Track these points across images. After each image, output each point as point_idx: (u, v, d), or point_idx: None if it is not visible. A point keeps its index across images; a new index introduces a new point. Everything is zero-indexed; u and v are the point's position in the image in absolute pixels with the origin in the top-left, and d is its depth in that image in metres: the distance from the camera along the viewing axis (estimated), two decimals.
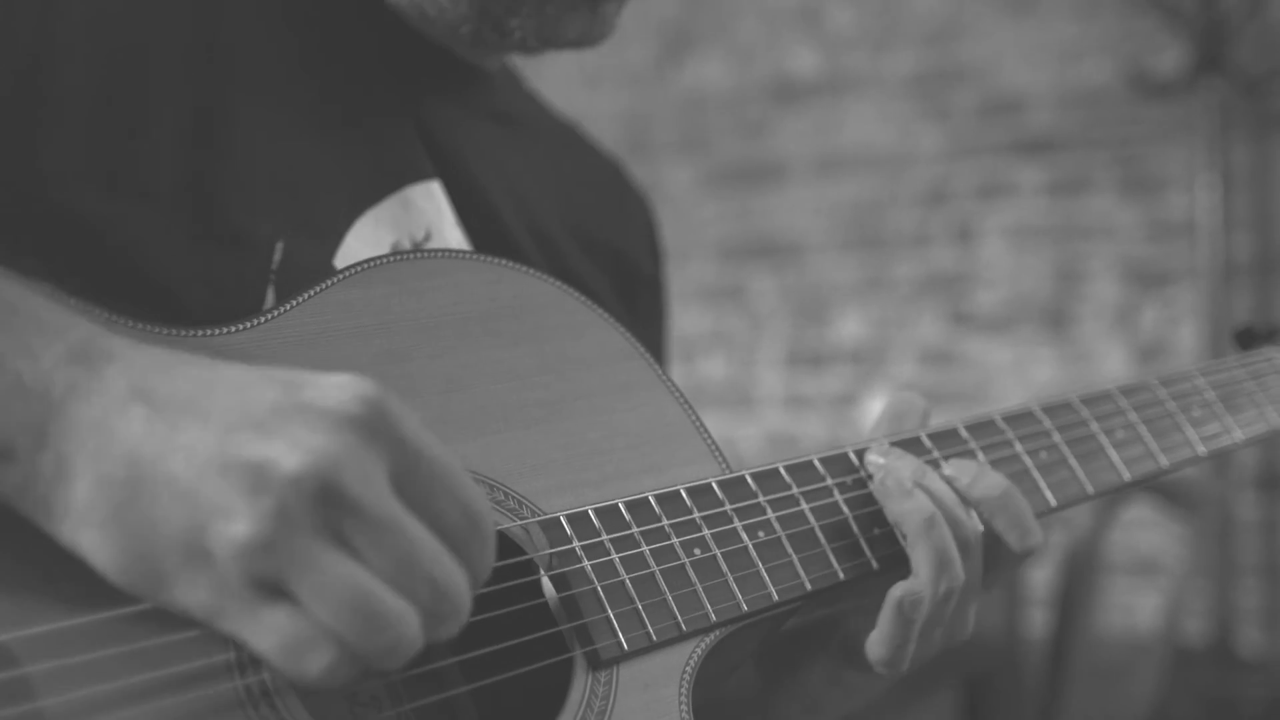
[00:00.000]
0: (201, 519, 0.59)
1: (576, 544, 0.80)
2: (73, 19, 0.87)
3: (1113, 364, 4.21)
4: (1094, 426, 1.04)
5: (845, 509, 0.91)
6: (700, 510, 0.86)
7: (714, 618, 0.82)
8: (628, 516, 0.83)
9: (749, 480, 0.89)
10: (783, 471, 0.90)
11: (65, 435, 0.61)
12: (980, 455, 0.97)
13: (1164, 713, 3.54)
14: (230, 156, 0.89)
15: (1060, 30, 4.34)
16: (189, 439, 0.60)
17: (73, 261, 0.80)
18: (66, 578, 0.64)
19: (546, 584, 0.79)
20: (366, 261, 0.84)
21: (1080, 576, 3.41)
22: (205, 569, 0.59)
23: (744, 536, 0.86)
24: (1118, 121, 4.24)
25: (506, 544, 0.78)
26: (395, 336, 0.83)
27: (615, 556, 0.81)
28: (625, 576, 0.80)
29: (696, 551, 0.84)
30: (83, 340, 0.63)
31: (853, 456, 0.93)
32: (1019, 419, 1.01)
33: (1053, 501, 0.98)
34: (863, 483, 0.93)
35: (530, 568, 0.79)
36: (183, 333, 0.75)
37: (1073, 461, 1.01)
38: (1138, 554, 4.11)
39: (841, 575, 0.89)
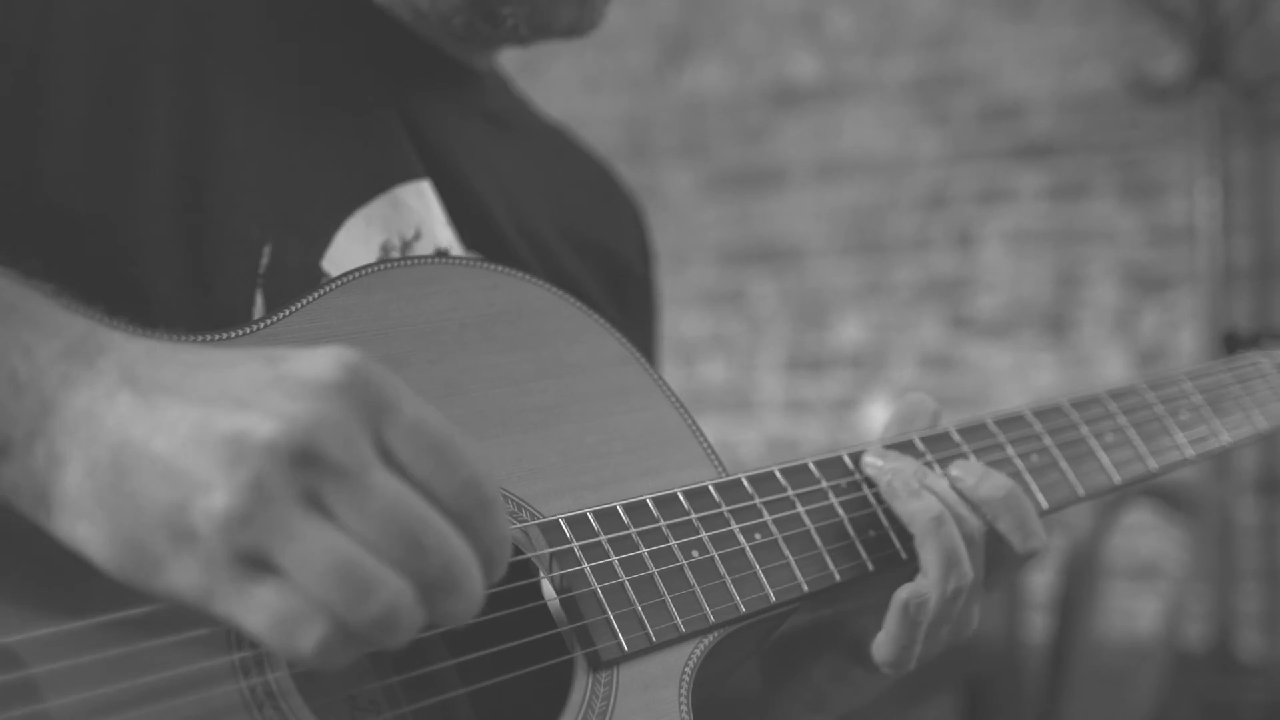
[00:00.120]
0: (183, 495, 0.58)
1: (575, 546, 0.81)
2: (71, 20, 0.87)
3: (1113, 368, 4.22)
4: (1084, 430, 1.06)
5: (840, 511, 0.92)
6: (697, 513, 0.87)
7: (712, 619, 0.83)
8: (626, 519, 0.84)
9: (745, 483, 0.90)
10: (778, 474, 0.91)
11: (57, 427, 0.60)
12: (972, 458, 0.98)
13: (1164, 717, 3.54)
14: (220, 158, 0.90)
15: (1060, 35, 4.35)
16: (170, 417, 0.60)
17: (69, 263, 0.81)
18: (70, 581, 0.64)
19: (546, 586, 0.79)
20: (364, 267, 0.85)
21: (1080, 580, 3.41)
22: (191, 547, 0.58)
23: (741, 539, 0.87)
24: (1117, 126, 4.24)
25: None
26: (394, 342, 0.83)
27: (614, 559, 0.81)
28: (624, 578, 0.81)
29: (694, 553, 0.85)
30: (78, 336, 0.63)
31: (847, 460, 0.94)
32: (1010, 422, 1.02)
33: (1044, 503, 0.99)
34: (858, 485, 0.94)
35: (530, 570, 0.80)
36: (181, 338, 0.75)
37: (1063, 464, 1.02)
38: (1138, 558, 4.11)
39: (838, 577, 0.90)
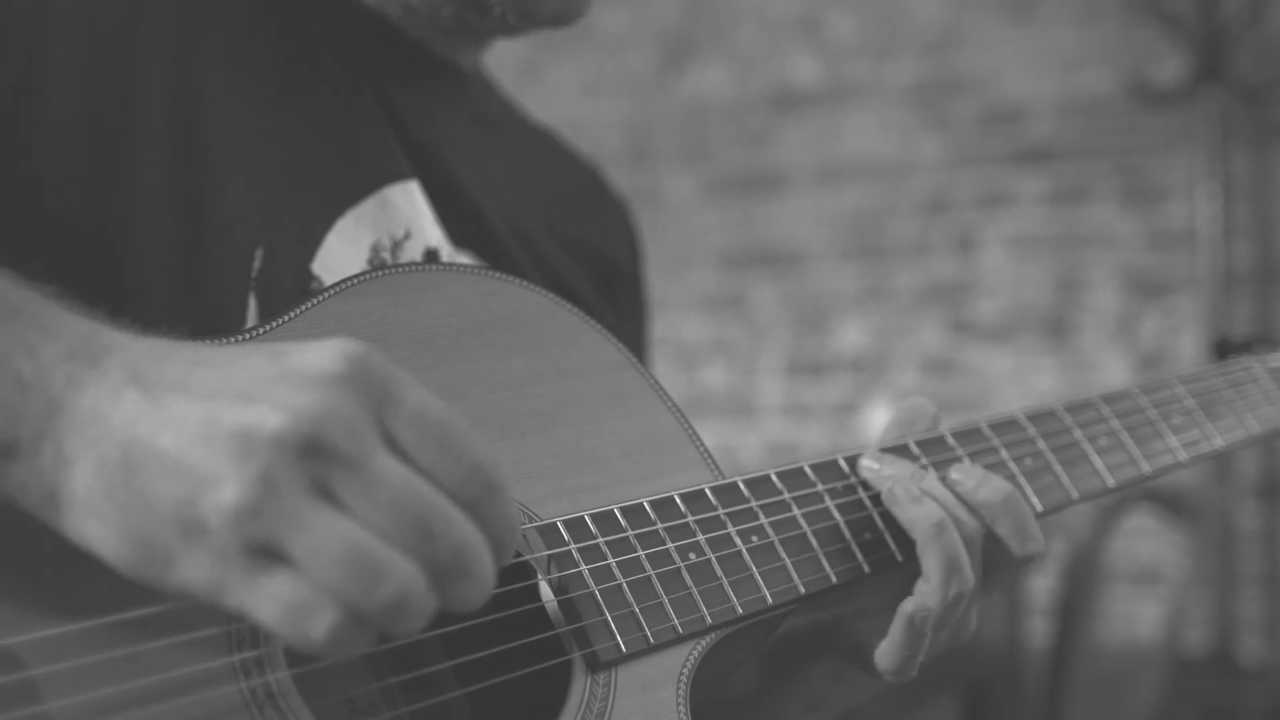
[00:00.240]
0: (192, 490, 0.58)
1: (573, 548, 0.81)
2: (64, 21, 0.88)
3: (1113, 373, 4.22)
4: (1078, 434, 1.07)
5: (836, 514, 0.93)
6: (694, 515, 0.87)
7: (710, 620, 0.84)
8: (623, 522, 0.84)
9: (741, 486, 0.91)
10: (774, 478, 0.92)
11: (65, 427, 0.61)
12: (967, 461, 0.98)
13: None
14: (211, 162, 0.90)
15: (1060, 40, 4.35)
16: (177, 413, 0.60)
17: (69, 268, 0.81)
18: (71, 583, 0.65)
19: (544, 588, 0.80)
20: (363, 274, 0.85)
21: (1081, 585, 3.42)
22: (202, 541, 0.59)
23: (737, 541, 0.88)
24: (1118, 131, 4.24)
25: None
26: (392, 348, 0.83)
27: (612, 561, 0.82)
28: (622, 580, 0.82)
29: (691, 556, 0.85)
30: (82, 337, 0.64)
31: (843, 463, 0.95)
32: (1004, 426, 1.03)
33: (1039, 506, 1.00)
34: (853, 488, 0.94)
35: (528, 573, 0.80)
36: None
37: (1057, 467, 1.03)
38: (1139, 563, 4.11)
39: (834, 578, 0.90)
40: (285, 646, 0.69)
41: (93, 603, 0.65)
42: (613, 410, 0.91)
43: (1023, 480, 1.00)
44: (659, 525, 0.85)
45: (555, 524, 0.82)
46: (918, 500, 0.90)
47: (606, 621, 0.80)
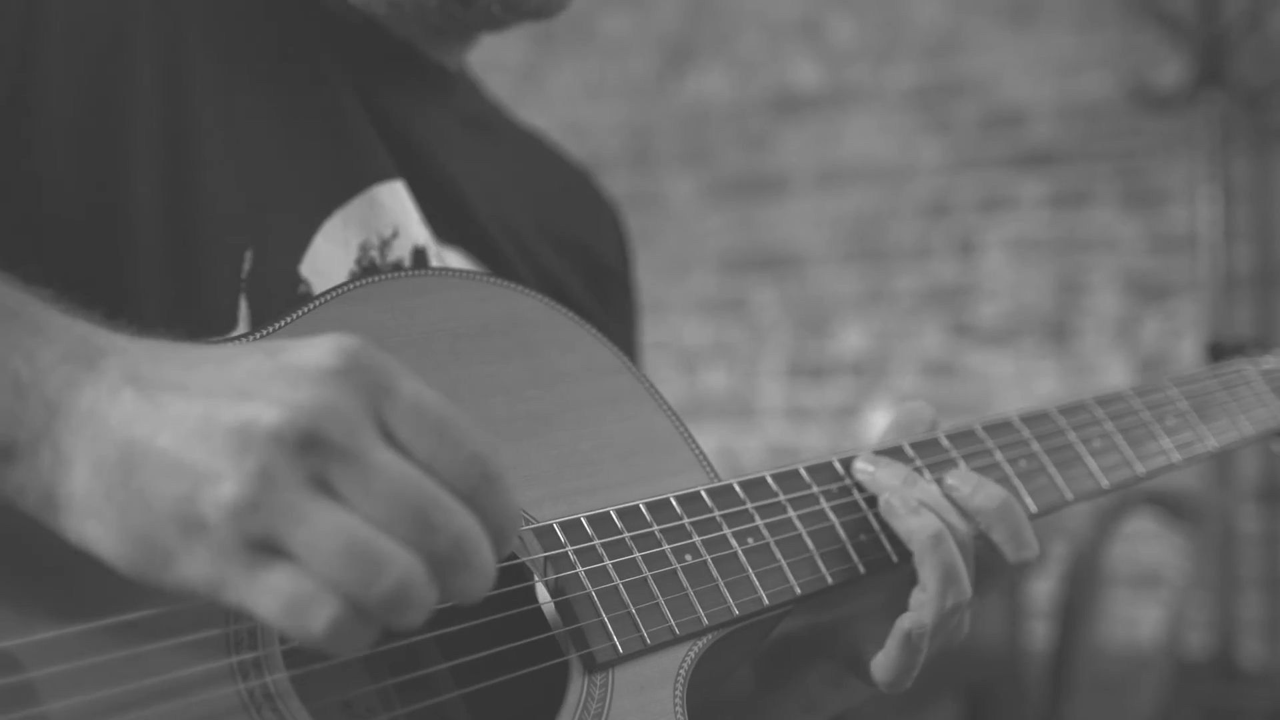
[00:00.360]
0: (191, 487, 0.59)
1: (569, 550, 0.81)
2: (55, 23, 0.88)
3: (1114, 376, 4.22)
4: (1071, 436, 1.07)
5: (831, 516, 0.93)
6: (690, 517, 0.87)
7: (706, 621, 0.84)
8: (619, 524, 0.84)
9: (737, 488, 0.91)
10: (770, 480, 0.92)
11: (62, 428, 0.61)
12: (961, 464, 0.99)
13: None
14: (201, 164, 0.91)
15: (1061, 43, 4.36)
16: (175, 412, 0.60)
17: (64, 271, 0.81)
18: (69, 585, 0.65)
19: (541, 589, 0.80)
20: (359, 280, 0.85)
21: (1082, 588, 3.42)
22: (201, 538, 0.59)
23: (733, 543, 0.88)
24: (1119, 134, 4.25)
25: None
26: (388, 353, 0.84)
27: (608, 562, 0.82)
28: (618, 581, 0.82)
29: (687, 557, 0.85)
30: (79, 339, 0.64)
31: (838, 465, 0.96)
32: (998, 428, 1.03)
33: (1033, 507, 1.00)
34: (848, 490, 0.95)
35: (524, 575, 0.80)
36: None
37: (1051, 469, 1.04)
38: (1139, 566, 4.11)
39: (830, 579, 0.91)
40: (284, 650, 0.69)
41: (90, 605, 0.65)
42: (609, 414, 0.91)
43: (1017, 482, 1.00)
44: (655, 527, 0.85)
45: (552, 526, 0.82)
46: (915, 511, 0.91)
47: (603, 622, 0.80)
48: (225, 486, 0.58)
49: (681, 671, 0.82)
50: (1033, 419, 1.06)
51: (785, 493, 0.92)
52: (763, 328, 4.84)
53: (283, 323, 0.81)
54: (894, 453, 0.97)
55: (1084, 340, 4.31)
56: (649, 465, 0.90)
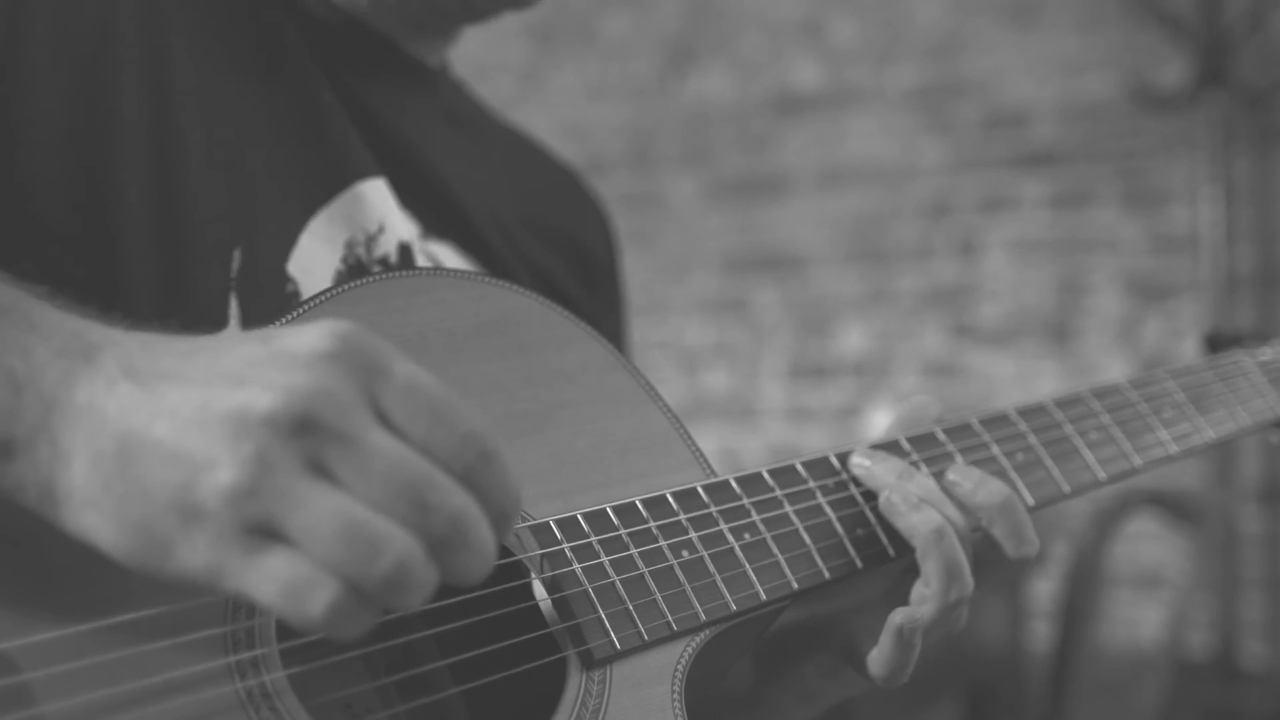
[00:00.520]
0: (188, 475, 0.59)
1: (566, 546, 0.81)
2: (38, 29, 0.88)
3: (1115, 376, 4.21)
4: (1068, 429, 1.07)
5: (828, 510, 0.93)
6: (686, 513, 0.88)
7: (703, 617, 0.84)
8: (616, 520, 0.84)
9: (733, 484, 0.91)
10: (766, 475, 0.93)
11: (60, 422, 0.61)
12: (959, 458, 0.99)
13: None
14: (186, 164, 0.91)
15: (1062, 44, 4.36)
16: (171, 402, 0.61)
17: (58, 274, 0.81)
18: (65, 586, 0.65)
19: (538, 586, 0.80)
20: (354, 281, 0.86)
21: (1083, 589, 3.42)
22: (200, 525, 0.59)
23: (730, 538, 0.88)
24: (1120, 135, 4.25)
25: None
26: None
27: (605, 559, 0.82)
28: (615, 578, 0.82)
29: (684, 553, 0.86)
30: (74, 335, 0.64)
31: (834, 460, 0.96)
32: (995, 422, 1.03)
33: (1031, 500, 1.00)
34: (844, 485, 0.95)
35: (521, 572, 0.80)
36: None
37: (1048, 462, 1.03)
38: (1141, 567, 4.11)
39: (827, 574, 0.91)
40: (282, 649, 0.69)
41: (87, 606, 0.65)
42: (605, 411, 0.91)
43: (1014, 475, 1.00)
44: (652, 523, 0.86)
45: (548, 523, 0.82)
46: (916, 507, 0.91)
47: (600, 619, 0.80)
48: (222, 473, 0.58)
49: (679, 667, 0.82)
50: (1029, 412, 1.06)
51: (782, 488, 0.92)
52: (764, 328, 4.84)
53: (280, 323, 0.81)
54: (890, 447, 0.97)
55: (1085, 341, 4.31)
56: (645, 462, 0.90)
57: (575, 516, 0.83)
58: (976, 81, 4.49)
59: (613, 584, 0.82)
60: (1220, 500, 3.92)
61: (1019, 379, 4.39)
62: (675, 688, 0.81)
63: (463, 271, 0.98)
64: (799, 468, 0.94)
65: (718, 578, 0.86)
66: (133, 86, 0.91)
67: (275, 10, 1.02)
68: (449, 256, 1.07)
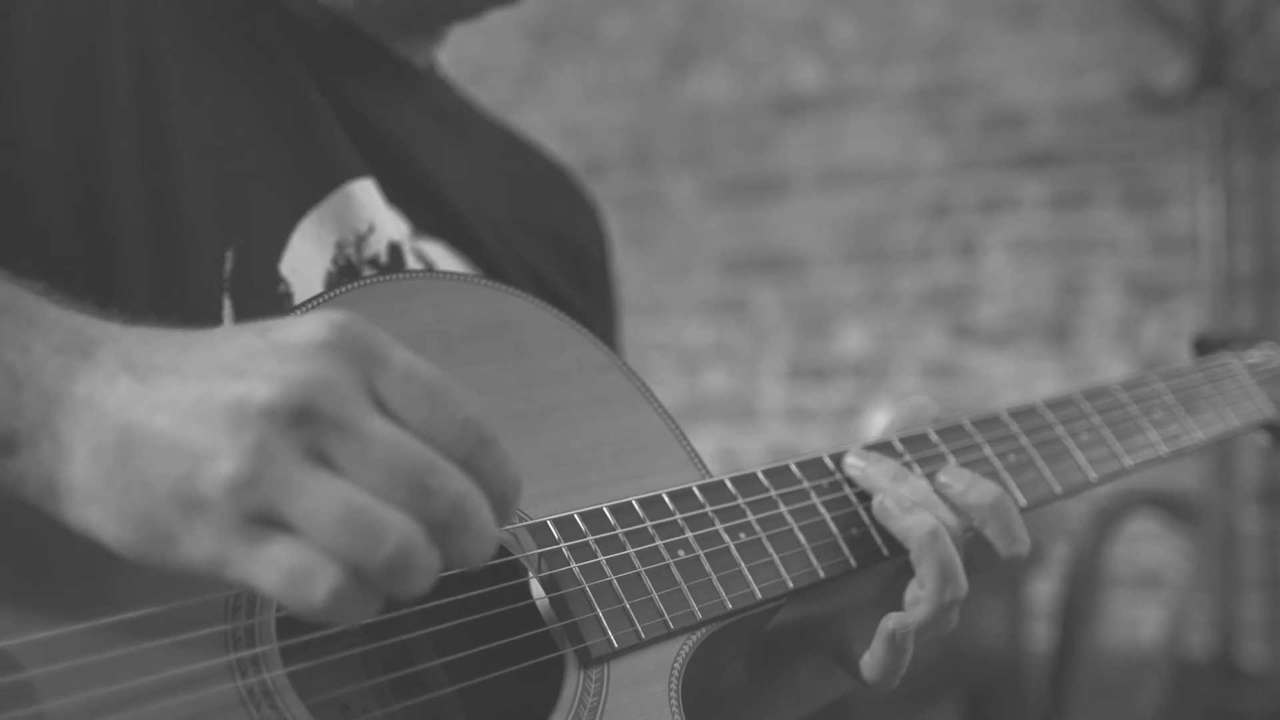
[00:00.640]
0: (189, 467, 0.59)
1: (563, 546, 0.82)
2: (29, 30, 0.89)
3: (1115, 377, 4.21)
4: (1059, 430, 1.08)
5: (822, 510, 0.94)
6: (682, 513, 0.88)
7: (700, 615, 0.84)
8: (612, 520, 0.85)
9: (729, 484, 0.92)
10: (760, 476, 0.93)
11: (60, 417, 0.62)
12: (951, 459, 0.99)
13: None
14: (177, 165, 0.91)
15: (1062, 44, 4.36)
16: (170, 395, 0.61)
17: (56, 274, 0.82)
18: (66, 584, 0.65)
19: (535, 585, 0.81)
20: (350, 284, 0.86)
21: (1083, 590, 3.42)
22: (202, 516, 0.59)
23: (726, 538, 0.89)
24: (1120, 135, 4.25)
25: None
26: None
27: (601, 558, 0.83)
28: (612, 577, 0.82)
29: (680, 553, 0.86)
30: (73, 330, 0.64)
31: (828, 461, 0.96)
32: (986, 423, 1.04)
33: (1022, 501, 1.01)
34: (839, 485, 0.96)
35: (518, 571, 0.81)
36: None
37: (1040, 463, 1.04)
38: (1140, 567, 4.11)
39: (822, 573, 0.91)
40: (282, 647, 0.70)
41: (88, 604, 0.65)
42: (601, 412, 0.92)
43: (1006, 476, 1.01)
44: (648, 523, 0.86)
45: (545, 523, 0.82)
46: (910, 511, 0.91)
47: (598, 617, 0.81)
48: (223, 464, 0.59)
49: (676, 665, 0.83)
50: (1020, 413, 1.07)
51: (776, 488, 0.93)
52: (764, 329, 4.84)
53: None
54: (884, 448, 0.98)
55: (1085, 341, 4.31)
56: (641, 463, 0.91)
57: (572, 516, 0.84)
58: (976, 82, 4.49)
59: (610, 583, 0.82)
60: (1220, 500, 3.92)
61: (1019, 379, 4.39)
62: (672, 685, 0.82)
63: (458, 274, 0.99)
64: (793, 468, 0.95)
65: (714, 577, 0.86)
66: (122, 87, 0.91)
67: (262, 12, 1.02)
68: (440, 255, 1.08)
